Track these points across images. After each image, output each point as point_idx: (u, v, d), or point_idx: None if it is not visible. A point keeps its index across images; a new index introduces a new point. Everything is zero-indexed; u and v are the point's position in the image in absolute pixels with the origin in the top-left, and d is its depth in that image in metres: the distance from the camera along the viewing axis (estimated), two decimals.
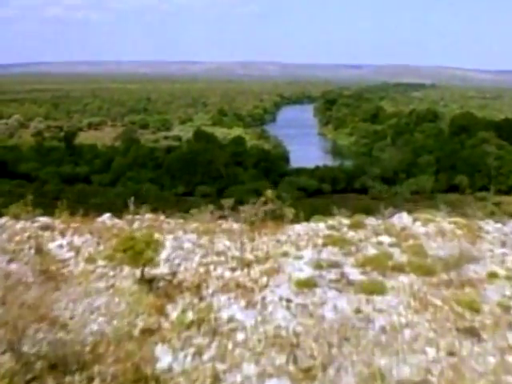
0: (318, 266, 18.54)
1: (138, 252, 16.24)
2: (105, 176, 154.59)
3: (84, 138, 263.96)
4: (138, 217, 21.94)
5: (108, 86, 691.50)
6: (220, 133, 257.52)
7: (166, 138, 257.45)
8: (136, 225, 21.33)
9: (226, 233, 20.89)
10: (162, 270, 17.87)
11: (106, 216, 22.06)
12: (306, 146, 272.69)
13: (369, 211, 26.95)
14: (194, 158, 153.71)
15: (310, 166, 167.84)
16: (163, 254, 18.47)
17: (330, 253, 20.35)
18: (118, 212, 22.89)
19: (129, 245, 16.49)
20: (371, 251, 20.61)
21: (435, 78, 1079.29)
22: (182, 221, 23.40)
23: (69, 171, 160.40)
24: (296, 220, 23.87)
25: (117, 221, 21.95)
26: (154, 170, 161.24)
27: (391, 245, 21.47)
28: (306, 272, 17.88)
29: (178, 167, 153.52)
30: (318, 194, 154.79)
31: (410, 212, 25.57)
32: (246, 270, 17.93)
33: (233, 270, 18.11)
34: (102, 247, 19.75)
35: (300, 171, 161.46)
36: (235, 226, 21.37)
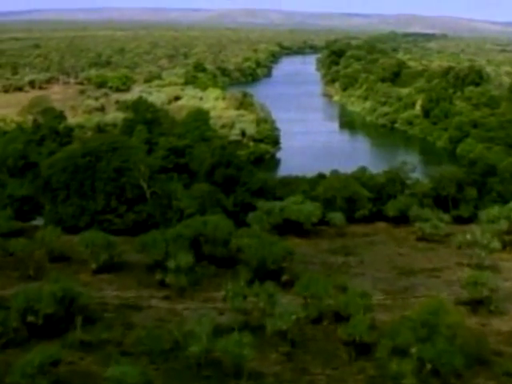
0: None
1: None
2: None
3: (14, 102, 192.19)
4: None
5: (96, 33, 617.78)
6: (189, 97, 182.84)
7: (117, 102, 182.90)
8: None
9: None
10: None
11: None
12: (306, 114, 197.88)
13: None
14: (92, 164, 79.50)
15: (308, 173, 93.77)
16: None
17: None
18: None
19: None
20: None
21: (443, 28, 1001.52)
22: None
23: None
24: None
25: None
26: (34, 180, 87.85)
27: None
28: None
29: (64, 180, 79.48)
30: (323, 225, 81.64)
31: None
32: None
33: None
34: None
35: (290, 183, 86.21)
36: None
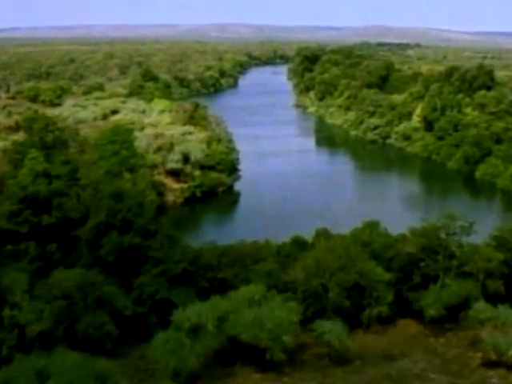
0: None
1: None
2: None
3: None
4: None
5: (57, 48, 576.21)
6: (129, 111, 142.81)
7: None
8: None
9: None
10: None
11: None
12: (275, 129, 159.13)
13: None
14: None
15: (276, 218, 56.23)
16: None
17: None
18: None
19: None
20: None
21: (415, 38, 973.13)
22: None
23: None
24: None
25: None
26: None
27: None
28: None
29: None
30: (305, 337, 39.22)
31: None
32: None
33: None
34: None
35: (242, 258, 45.89)
36: None
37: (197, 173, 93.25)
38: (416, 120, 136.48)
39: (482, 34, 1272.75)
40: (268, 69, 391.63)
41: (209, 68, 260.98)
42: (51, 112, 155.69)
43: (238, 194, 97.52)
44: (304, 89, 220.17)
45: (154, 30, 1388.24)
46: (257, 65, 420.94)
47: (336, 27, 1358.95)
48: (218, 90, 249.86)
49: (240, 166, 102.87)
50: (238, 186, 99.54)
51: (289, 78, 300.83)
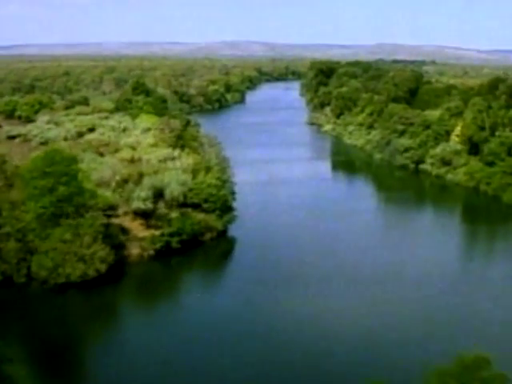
0: None
1: None
2: None
3: None
4: None
5: (62, 63, 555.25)
6: (107, 128, 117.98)
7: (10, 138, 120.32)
8: None
9: None
10: None
11: None
12: (285, 151, 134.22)
13: None
14: None
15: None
16: None
17: None
18: None
19: None
20: None
21: (429, 56, 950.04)
22: None
23: None
24: None
25: None
26: None
27: None
28: None
29: None
30: None
31: None
32: None
33: None
34: None
35: None
36: None
37: (174, 214, 67.27)
38: (455, 141, 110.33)
39: (494, 52, 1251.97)
40: (279, 84, 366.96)
41: (213, 82, 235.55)
42: (18, 130, 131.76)
43: (231, 242, 71.41)
44: (318, 105, 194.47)
45: (164, 47, 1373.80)
46: (268, 80, 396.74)
47: (348, 45, 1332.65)
48: (223, 105, 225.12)
49: (239, 201, 77.27)
50: (232, 230, 73.49)
51: (301, 94, 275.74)
